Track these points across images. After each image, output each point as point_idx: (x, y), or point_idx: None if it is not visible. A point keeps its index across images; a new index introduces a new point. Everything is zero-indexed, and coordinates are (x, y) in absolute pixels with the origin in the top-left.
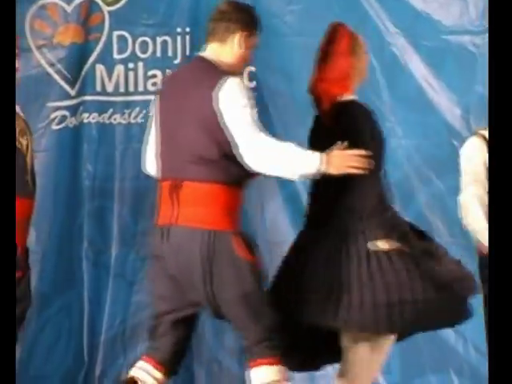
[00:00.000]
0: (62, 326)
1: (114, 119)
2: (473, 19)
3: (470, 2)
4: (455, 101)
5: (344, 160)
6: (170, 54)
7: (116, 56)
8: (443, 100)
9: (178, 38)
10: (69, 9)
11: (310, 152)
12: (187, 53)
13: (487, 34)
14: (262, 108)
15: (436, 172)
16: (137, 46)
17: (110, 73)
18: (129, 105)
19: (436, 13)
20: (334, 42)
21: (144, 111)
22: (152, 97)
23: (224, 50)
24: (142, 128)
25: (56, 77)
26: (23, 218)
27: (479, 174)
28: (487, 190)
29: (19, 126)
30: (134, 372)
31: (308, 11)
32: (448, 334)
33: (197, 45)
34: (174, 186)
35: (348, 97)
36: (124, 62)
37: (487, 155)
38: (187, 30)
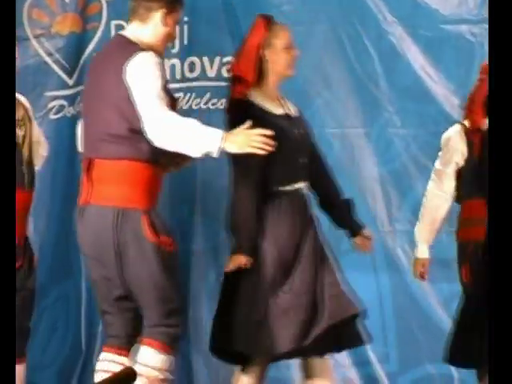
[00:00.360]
0: (59, 315)
1: None
2: (471, 8)
3: None
4: (453, 90)
5: (246, 139)
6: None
7: None
8: (441, 89)
9: (176, 28)
10: None
11: (212, 129)
12: (185, 42)
13: (486, 24)
14: None
15: (434, 161)
16: None
17: None
18: None
19: (434, 2)
20: (250, 34)
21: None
22: None
23: (145, 29)
24: None
25: (54, 66)
26: (21, 209)
27: (447, 165)
28: (452, 183)
29: (18, 115)
30: (99, 366)
31: (305, 1)
32: (446, 323)
33: (195, 33)
34: (87, 164)
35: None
36: None
37: (464, 145)
38: (185, 19)
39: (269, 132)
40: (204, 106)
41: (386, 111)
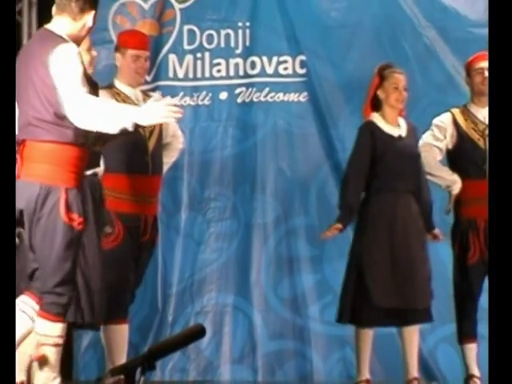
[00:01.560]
0: None
1: (184, 101)
2: None
3: None
4: None
5: (157, 110)
6: (232, 45)
7: (186, 47)
8: None
9: (239, 31)
10: (146, 6)
11: (125, 106)
12: (247, 44)
13: None
14: (311, 92)
15: None
16: (204, 38)
17: (180, 61)
18: (197, 89)
19: (462, 8)
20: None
21: (210, 94)
22: (216, 82)
23: (76, 25)
24: (208, 109)
25: None
26: (147, 192)
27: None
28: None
29: None
30: (18, 305)
31: (351, 8)
32: None
33: (255, 36)
34: (19, 145)
35: None
36: (193, 52)
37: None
38: (247, 24)
39: (174, 101)
40: (263, 99)
41: (420, 103)
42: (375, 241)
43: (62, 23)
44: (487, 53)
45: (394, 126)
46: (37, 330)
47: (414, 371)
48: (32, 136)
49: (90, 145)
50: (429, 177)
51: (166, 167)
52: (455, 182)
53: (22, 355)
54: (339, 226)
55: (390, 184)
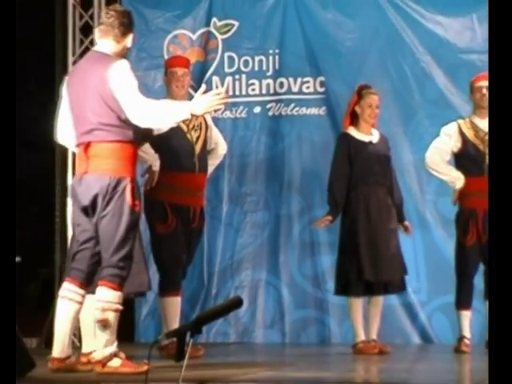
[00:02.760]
0: None
1: (225, 115)
2: (479, 42)
3: (477, 30)
4: (466, 100)
5: (206, 100)
6: (264, 68)
7: (226, 70)
8: (458, 100)
9: (270, 57)
10: (194, 37)
11: (179, 102)
12: (276, 67)
13: None
14: (329, 107)
15: None
16: (241, 63)
17: (222, 82)
18: (235, 104)
19: (452, 38)
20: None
21: (246, 109)
22: (251, 98)
23: (118, 46)
24: (245, 121)
25: None
26: (194, 187)
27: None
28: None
29: (197, 122)
30: (62, 293)
31: (361, 38)
32: None
33: (283, 61)
34: (84, 146)
35: None
36: (232, 74)
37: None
38: (277, 51)
39: (220, 90)
40: (290, 113)
41: (418, 115)
42: (355, 226)
43: (107, 45)
44: (486, 73)
45: (367, 135)
46: (100, 298)
47: (374, 334)
48: (98, 138)
49: (140, 143)
50: (437, 174)
51: (211, 168)
52: (459, 179)
53: (87, 326)
54: (329, 217)
55: (363, 179)
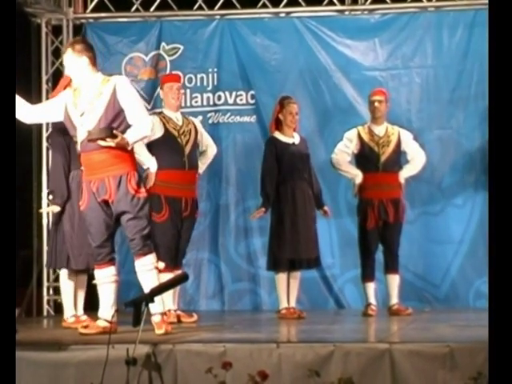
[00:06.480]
0: None
1: None
2: (380, 62)
3: (379, 51)
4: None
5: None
6: (204, 84)
7: None
8: (363, 109)
9: (210, 75)
10: (146, 59)
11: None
12: (215, 83)
13: (391, 70)
14: (258, 115)
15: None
16: (186, 79)
17: None
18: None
19: (359, 58)
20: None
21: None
22: (194, 109)
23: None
24: None
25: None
26: (186, 182)
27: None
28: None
29: (187, 128)
30: (104, 279)
31: (284, 59)
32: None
33: (220, 78)
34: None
35: None
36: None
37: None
38: (215, 70)
39: None
40: (226, 121)
41: (331, 121)
42: (283, 214)
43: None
44: (379, 89)
45: (289, 137)
46: (144, 263)
47: (293, 302)
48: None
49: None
50: (340, 172)
51: (203, 167)
52: (358, 175)
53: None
54: (262, 209)
55: (289, 175)
